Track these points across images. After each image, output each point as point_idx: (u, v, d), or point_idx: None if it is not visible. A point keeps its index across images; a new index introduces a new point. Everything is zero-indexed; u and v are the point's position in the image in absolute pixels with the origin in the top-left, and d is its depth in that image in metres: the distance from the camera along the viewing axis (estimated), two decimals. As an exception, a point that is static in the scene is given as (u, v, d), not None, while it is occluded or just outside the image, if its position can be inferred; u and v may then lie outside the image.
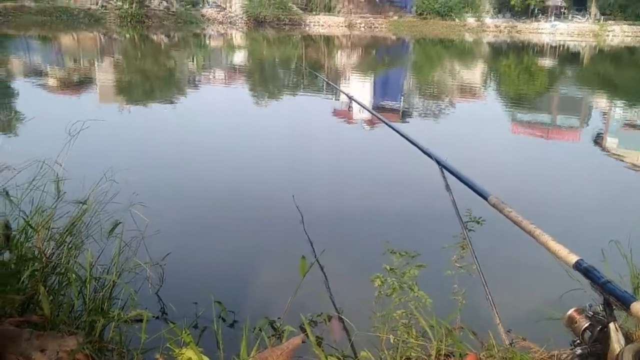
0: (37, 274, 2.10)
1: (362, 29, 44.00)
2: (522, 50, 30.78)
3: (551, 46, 32.94)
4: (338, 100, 10.88)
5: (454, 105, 11.35)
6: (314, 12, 46.65)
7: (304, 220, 3.82)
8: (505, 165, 6.33)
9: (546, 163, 6.68)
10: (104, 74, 14.95)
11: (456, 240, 2.33)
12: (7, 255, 2.18)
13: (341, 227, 4.25)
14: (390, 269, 2.39)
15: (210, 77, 15.10)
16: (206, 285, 3.09)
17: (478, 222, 2.41)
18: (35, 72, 13.94)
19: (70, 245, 2.25)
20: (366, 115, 8.77)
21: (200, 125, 8.03)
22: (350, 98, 3.89)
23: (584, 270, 1.36)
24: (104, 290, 2.23)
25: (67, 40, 25.91)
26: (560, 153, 7.41)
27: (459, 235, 2.20)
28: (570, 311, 1.39)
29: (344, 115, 9.37)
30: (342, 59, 22.94)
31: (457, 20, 44.79)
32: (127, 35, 29.70)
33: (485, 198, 1.96)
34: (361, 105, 3.87)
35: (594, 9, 45.59)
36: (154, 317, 2.59)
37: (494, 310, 1.82)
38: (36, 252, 2.19)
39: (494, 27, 44.36)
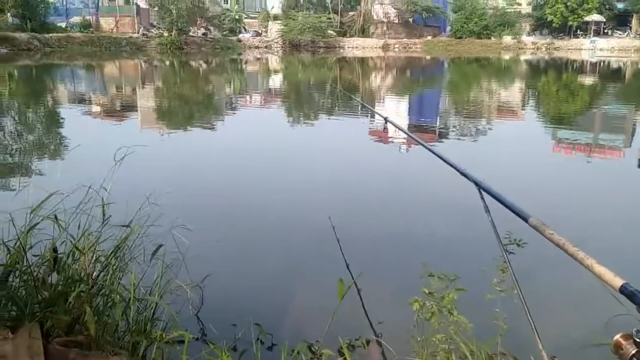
0: (83, 296, 2.18)
1: (397, 50, 44.16)
2: (561, 67, 30.24)
3: (591, 63, 32.23)
4: (373, 121, 10.92)
5: (491, 125, 11.22)
6: (349, 35, 47.16)
7: (341, 242, 3.83)
8: (546, 186, 6.20)
9: (588, 183, 6.50)
10: (145, 100, 15.44)
11: (496, 263, 2.29)
12: (55, 277, 2.27)
13: (378, 249, 4.23)
14: (429, 293, 2.36)
15: (247, 100, 15.40)
16: (245, 307, 3.13)
17: (518, 245, 2.37)
18: (81, 100, 14.52)
19: (115, 268, 2.33)
20: (402, 135, 8.76)
21: (238, 149, 8.18)
22: (385, 119, 3.89)
23: (630, 294, 1.32)
24: (146, 312, 2.28)
25: (110, 68, 26.93)
26: (603, 173, 7.20)
27: (499, 257, 2.16)
28: (617, 337, 1.34)
29: (380, 136, 9.38)
30: (376, 80, 23.04)
31: (493, 38, 44.48)
32: (167, 62, 30.66)
33: (525, 220, 1.92)
34: (396, 127, 3.86)
35: (635, 25, 44.55)
36: (194, 338, 2.63)
37: (537, 336, 1.77)
38: (83, 274, 2.27)
39: (531, 44, 43.82)
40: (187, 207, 4.82)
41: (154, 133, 9.82)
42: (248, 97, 16.19)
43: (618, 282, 1.37)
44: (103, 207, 2.40)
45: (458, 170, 2.52)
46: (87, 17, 40.91)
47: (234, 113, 12.87)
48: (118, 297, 2.19)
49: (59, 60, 28.49)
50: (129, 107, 13.79)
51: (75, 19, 40.44)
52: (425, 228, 4.74)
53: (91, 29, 39.51)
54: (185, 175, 6.45)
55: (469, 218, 4.57)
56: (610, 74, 26.19)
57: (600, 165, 7.60)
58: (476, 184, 2.25)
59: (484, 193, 2.20)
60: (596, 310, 2.84)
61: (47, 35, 34.29)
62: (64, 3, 42.15)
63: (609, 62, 32.60)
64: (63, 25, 39.15)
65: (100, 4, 43.54)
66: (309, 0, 48.40)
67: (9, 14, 35.38)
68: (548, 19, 43.58)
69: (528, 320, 1.81)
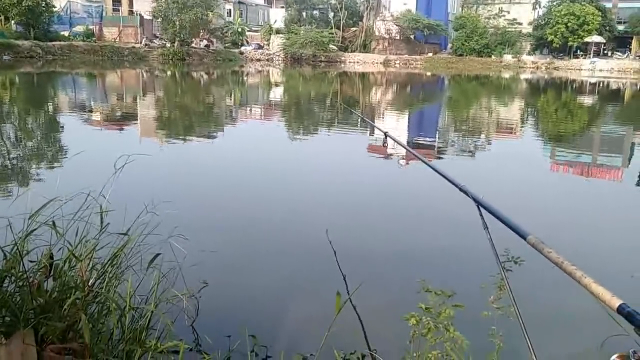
0: (78, 303, 2.17)
1: (398, 66, 44.43)
2: (560, 86, 30.43)
3: (590, 83, 32.45)
4: (373, 135, 10.95)
5: (490, 142, 11.25)
6: (350, 50, 47.48)
7: (338, 256, 3.82)
8: (545, 204, 6.20)
9: (587, 202, 6.51)
10: (146, 109, 15.48)
11: (493, 280, 2.29)
12: (51, 283, 2.26)
13: (375, 263, 4.23)
14: (426, 308, 2.36)
15: (248, 112, 15.45)
16: (240, 318, 3.11)
17: (516, 262, 2.37)
18: (81, 108, 14.55)
19: (111, 276, 2.32)
20: (401, 151, 8.78)
21: (237, 160, 8.19)
22: (385, 134, 3.90)
23: (627, 314, 1.32)
24: (141, 320, 2.27)
25: (112, 77, 27.03)
26: (601, 192, 7.22)
27: (497, 275, 2.17)
28: (613, 357, 1.34)
29: (379, 151, 9.41)
30: (377, 95, 23.15)
31: (493, 57, 44.81)
32: (169, 72, 30.80)
33: (524, 237, 1.92)
34: (396, 142, 3.87)
35: (635, 47, 44.96)
36: (189, 348, 2.62)
37: (533, 354, 1.77)
38: (79, 281, 2.26)
39: (531, 63, 44.14)
40: (185, 217, 4.82)
41: (153, 143, 9.84)
42: (248, 110, 16.25)
43: (615, 302, 1.37)
44: (101, 214, 2.40)
45: (457, 187, 2.52)
46: (90, 27, 41.13)
47: (233, 125, 12.91)
48: (113, 305, 2.18)
49: (60, 68, 28.59)
50: (130, 116, 13.82)
51: (79, 28, 40.64)
52: (423, 244, 4.74)
53: (94, 38, 39.72)
54: (184, 185, 6.45)
55: (467, 235, 4.58)
56: (609, 94, 26.35)
57: (598, 184, 7.62)
58: (475, 200, 2.25)
59: (482, 210, 2.20)
60: (593, 330, 2.83)
61: (49, 44, 34.44)
62: (68, 12, 42.42)
63: (608, 83, 32.82)
64: (66, 34, 39.34)
65: (104, 14, 43.84)
66: (312, 15, 48.80)
67: (13, 22, 35.59)
68: (548, 39, 43.95)
69: (524, 338, 1.81)
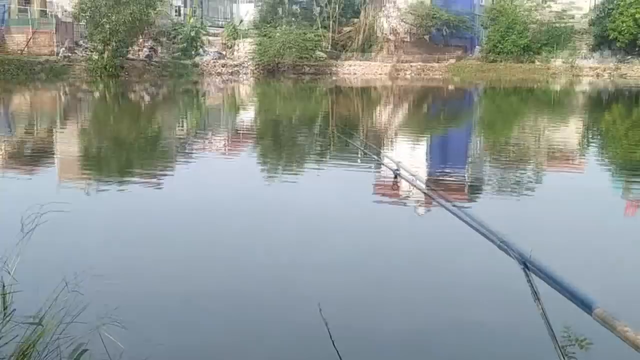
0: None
1: (410, 77, 45.15)
2: (630, 99, 31.00)
3: (672, 93, 33.14)
4: (379, 173, 11.02)
5: (540, 177, 11.36)
6: (344, 57, 48.21)
7: (335, 339, 3.79)
8: (617, 263, 6.22)
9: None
10: (66, 144, 15.51)
11: (551, 371, 2.28)
12: None
13: (386, 351, 4.19)
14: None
15: (206, 145, 15.53)
16: None
17: (581, 346, 2.37)
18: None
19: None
20: (418, 193, 8.82)
21: (193, 214, 8.17)
22: (395, 172, 3.96)
23: None
24: None
25: (18, 101, 27.16)
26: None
27: (555, 363, 2.17)
28: None
29: (388, 194, 9.44)
30: (382, 117, 23.43)
31: (538, 62, 45.69)
32: (97, 93, 31.04)
33: (589, 310, 1.94)
34: (409, 182, 3.93)
35: None
36: None
37: None
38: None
39: (589, 70, 45.00)
40: (122, 295, 4.77)
41: (76, 190, 9.82)
42: (206, 141, 16.34)
43: None
44: (4, 296, 2.38)
45: (496, 244, 2.54)
46: (-12, 33, 41.41)
47: (187, 163, 12.95)
48: None
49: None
50: (43, 153, 13.83)
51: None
52: (450, 321, 4.71)
53: (-6, 49, 40.00)
54: (119, 251, 6.40)
55: (511, 307, 4.56)
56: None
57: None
58: (521, 261, 2.27)
59: (530, 273, 2.22)
60: None
61: None
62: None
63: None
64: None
65: (5, 16, 44.19)
66: (290, 11, 49.68)
67: None
68: (611, 37, 44.94)
69: None
